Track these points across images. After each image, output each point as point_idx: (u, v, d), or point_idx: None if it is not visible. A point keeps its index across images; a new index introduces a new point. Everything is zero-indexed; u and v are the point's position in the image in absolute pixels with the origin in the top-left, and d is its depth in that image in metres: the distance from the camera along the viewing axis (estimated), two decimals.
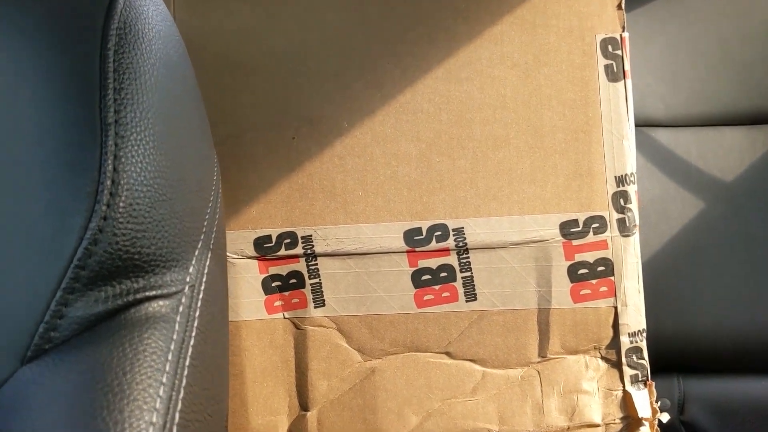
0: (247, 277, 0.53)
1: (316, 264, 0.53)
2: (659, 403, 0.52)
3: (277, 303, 0.53)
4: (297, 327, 0.53)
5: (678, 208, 0.83)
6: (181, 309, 0.31)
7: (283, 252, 0.53)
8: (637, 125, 0.84)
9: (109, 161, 0.27)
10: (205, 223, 0.35)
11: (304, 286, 0.53)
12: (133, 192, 0.28)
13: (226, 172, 0.53)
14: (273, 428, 0.53)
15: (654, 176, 0.83)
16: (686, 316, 0.80)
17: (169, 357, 0.29)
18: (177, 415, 0.28)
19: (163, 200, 0.30)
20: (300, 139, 0.53)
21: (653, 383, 0.52)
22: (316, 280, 0.53)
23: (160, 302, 0.31)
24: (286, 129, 0.53)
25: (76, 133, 0.28)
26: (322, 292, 0.53)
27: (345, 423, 0.53)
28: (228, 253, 0.53)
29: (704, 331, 0.80)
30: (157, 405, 0.27)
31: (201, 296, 0.33)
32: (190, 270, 0.33)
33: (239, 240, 0.53)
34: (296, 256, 0.53)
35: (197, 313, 0.32)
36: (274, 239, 0.53)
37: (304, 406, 0.53)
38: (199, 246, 0.34)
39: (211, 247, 0.36)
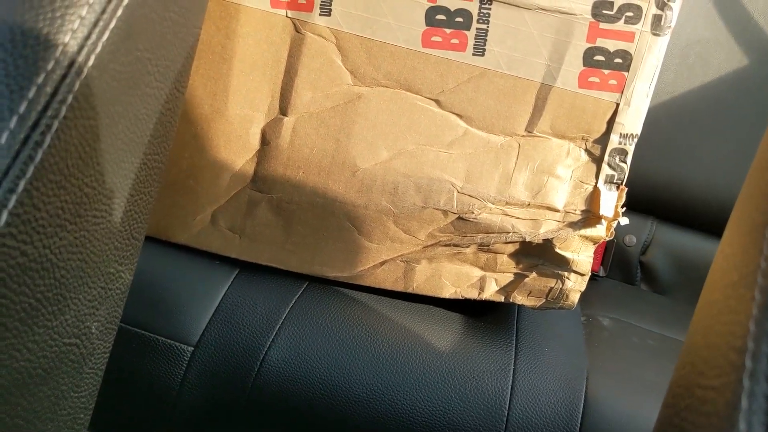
0: None
1: None
2: (623, 208, 0.52)
3: None
4: (297, 30, 0.51)
5: (720, 58, 0.79)
6: None
7: None
8: None
9: None
10: None
11: None
12: None
13: None
14: (249, 122, 0.53)
15: (710, 16, 0.78)
16: (685, 167, 0.79)
17: None
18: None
19: None
20: None
21: (626, 189, 0.52)
22: None
23: None
24: None
25: None
26: None
27: (319, 138, 0.53)
28: None
29: (697, 188, 0.79)
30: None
31: None
32: None
33: None
34: None
35: None
36: None
37: (284, 111, 0.53)
38: None
39: None
